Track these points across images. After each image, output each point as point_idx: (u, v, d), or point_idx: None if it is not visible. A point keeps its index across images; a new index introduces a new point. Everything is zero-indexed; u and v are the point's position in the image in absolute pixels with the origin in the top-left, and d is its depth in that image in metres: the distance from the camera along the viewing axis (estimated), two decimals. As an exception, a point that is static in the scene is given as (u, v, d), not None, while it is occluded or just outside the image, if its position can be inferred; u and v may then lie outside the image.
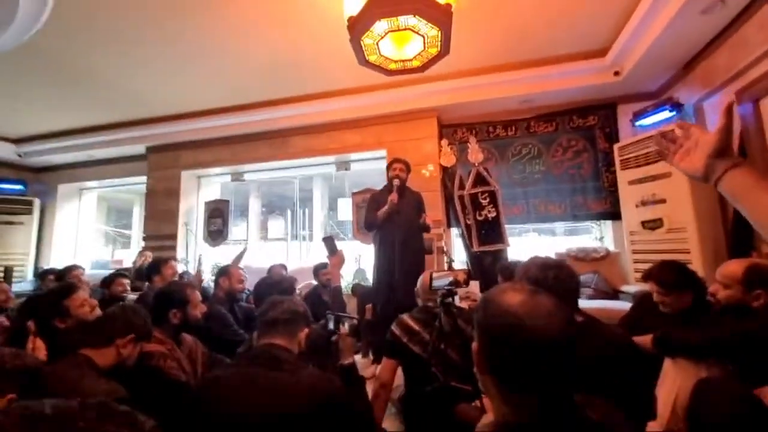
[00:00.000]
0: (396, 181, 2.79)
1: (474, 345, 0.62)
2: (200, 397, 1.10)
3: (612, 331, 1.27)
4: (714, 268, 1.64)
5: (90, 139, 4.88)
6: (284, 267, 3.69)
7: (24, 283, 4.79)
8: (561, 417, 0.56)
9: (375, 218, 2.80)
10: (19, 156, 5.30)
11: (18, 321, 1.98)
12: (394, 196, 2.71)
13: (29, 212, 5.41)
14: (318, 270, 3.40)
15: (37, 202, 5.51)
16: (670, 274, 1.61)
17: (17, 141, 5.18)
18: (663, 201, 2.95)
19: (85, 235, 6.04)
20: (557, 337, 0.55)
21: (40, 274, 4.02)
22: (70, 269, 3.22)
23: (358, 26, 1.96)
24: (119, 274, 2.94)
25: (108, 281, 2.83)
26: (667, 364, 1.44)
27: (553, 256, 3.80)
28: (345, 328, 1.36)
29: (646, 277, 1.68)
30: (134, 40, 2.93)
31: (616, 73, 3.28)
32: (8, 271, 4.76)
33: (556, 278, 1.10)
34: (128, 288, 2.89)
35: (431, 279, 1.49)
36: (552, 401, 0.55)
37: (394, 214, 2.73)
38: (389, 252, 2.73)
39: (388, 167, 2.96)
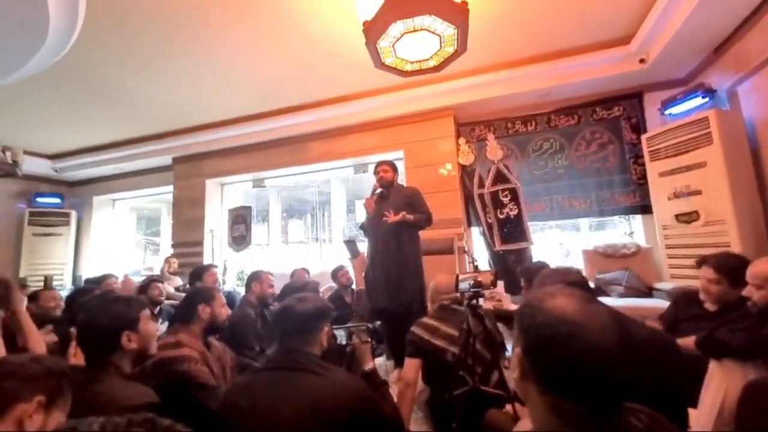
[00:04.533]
0: (376, 185, 2.75)
1: (516, 351, 0.61)
2: (231, 403, 1.12)
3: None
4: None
5: (120, 152, 5.12)
6: (306, 271, 3.73)
7: (63, 291, 5.04)
8: (608, 426, 0.53)
9: (363, 224, 2.81)
10: (55, 171, 5.62)
11: (60, 326, 2.08)
12: (368, 202, 2.68)
13: (67, 224, 5.72)
14: (336, 273, 3.42)
15: (73, 214, 5.82)
16: (734, 262, 1.55)
17: (53, 157, 5.49)
18: (698, 192, 2.80)
19: (119, 244, 6.33)
20: (614, 346, 0.53)
21: (85, 283, 4.21)
22: (103, 278, 3.37)
23: (373, 30, 1.96)
24: (153, 278, 3.05)
25: (144, 287, 2.92)
26: (713, 365, 1.37)
27: (579, 253, 3.70)
28: (360, 338, 1.34)
29: (703, 261, 1.62)
30: (159, 57, 3.05)
31: (642, 61, 3.14)
32: (48, 280, 5.04)
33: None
34: (164, 291, 3.00)
35: (457, 281, 1.47)
36: (601, 410, 0.54)
37: (376, 217, 2.66)
38: (370, 257, 2.68)
39: (375, 171, 2.83)
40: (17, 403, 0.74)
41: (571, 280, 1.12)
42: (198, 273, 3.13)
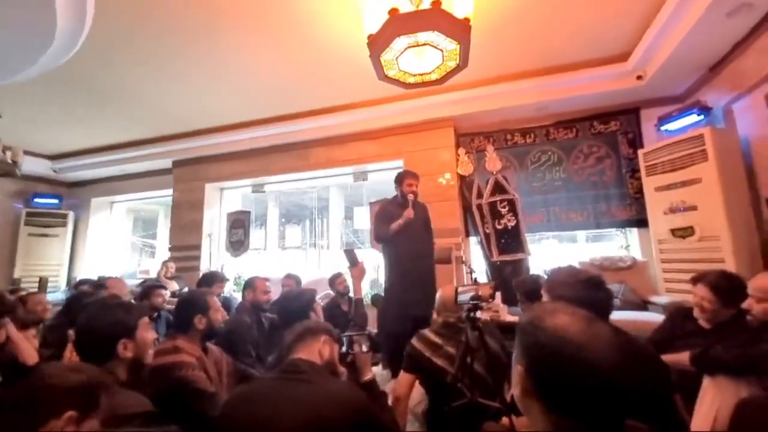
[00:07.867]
0: (410, 197, 2.78)
1: (518, 368, 0.62)
2: (231, 412, 1.12)
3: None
4: (750, 278, 1.59)
5: (120, 154, 5.12)
6: (296, 278, 3.64)
7: (58, 293, 5.01)
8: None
9: (386, 230, 2.79)
10: (55, 171, 5.61)
11: (56, 329, 2.06)
12: (410, 212, 2.72)
13: (64, 225, 5.69)
14: (333, 280, 3.41)
15: (71, 215, 5.79)
16: (728, 283, 1.59)
17: (53, 157, 5.48)
18: (694, 208, 2.84)
19: (115, 247, 6.29)
20: (616, 366, 0.54)
21: (75, 285, 4.18)
22: (104, 281, 3.34)
23: (378, 43, 2.00)
24: (155, 285, 2.96)
25: (147, 293, 2.80)
26: (706, 382, 1.38)
27: (576, 265, 3.71)
28: (360, 347, 1.34)
29: (698, 279, 1.65)
30: (164, 60, 3.07)
31: (639, 78, 3.21)
32: (43, 282, 5.00)
33: (590, 299, 1.07)
34: (166, 298, 2.95)
35: (456, 293, 1.48)
36: (605, 428, 0.55)
37: (407, 227, 2.75)
38: (403, 265, 2.74)
39: (401, 181, 2.89)
40: (51, 420, 0.70)
41: (582, 278, 1.14)
42: (209, 280, 3.06)
